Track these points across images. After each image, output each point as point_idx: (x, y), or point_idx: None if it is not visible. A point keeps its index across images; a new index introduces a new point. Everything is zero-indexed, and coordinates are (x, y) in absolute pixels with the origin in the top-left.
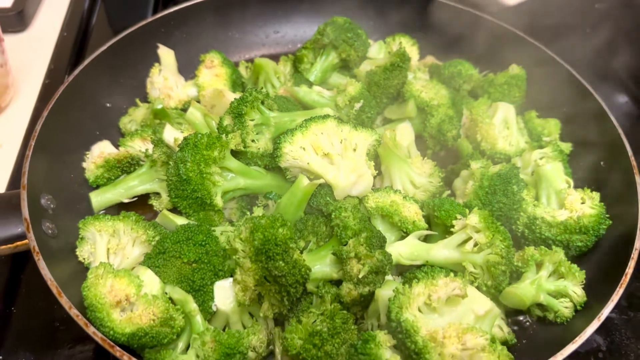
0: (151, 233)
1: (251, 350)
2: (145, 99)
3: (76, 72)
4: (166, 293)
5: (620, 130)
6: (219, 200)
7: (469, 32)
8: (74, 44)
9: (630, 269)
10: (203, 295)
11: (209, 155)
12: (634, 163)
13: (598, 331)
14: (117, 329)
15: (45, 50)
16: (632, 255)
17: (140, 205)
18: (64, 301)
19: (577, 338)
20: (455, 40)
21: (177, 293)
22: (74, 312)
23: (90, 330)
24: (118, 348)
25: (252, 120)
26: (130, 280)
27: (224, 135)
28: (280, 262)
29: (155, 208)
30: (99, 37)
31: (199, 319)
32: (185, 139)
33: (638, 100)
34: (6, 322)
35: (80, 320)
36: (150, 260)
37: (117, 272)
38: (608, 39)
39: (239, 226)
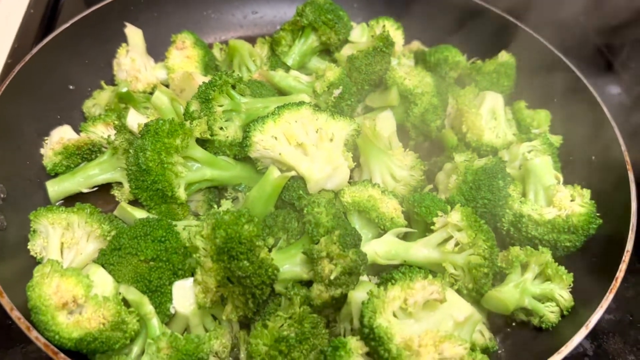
0: (106, 227)
1: (213, 356)
2: (111, 81)
3: (35, 50)
4: (120, 293)
5: (613, 123)
6: (181, 193)
7: (457, 16)
8: (42, 21)
9: (621, 273)
10: (160, 297)
11: (170, 143)
12: (627, 158)
13: None
14: (62, 333)
15: (10, 27)
16: (623, 258)
17: (102, 195)
18: (5, 302)
19: (563, 348)
20: (442, 24)
21: (132, 294)
22: (15, 315)
23: (33, 334)
24: (62, 355)
25: (221, 106)
26: (79, 280)
27: (187, 122)
28: (245, 262)
29: (117, 199)
30: (70, 14)
31: (155, 322)
32: (145, 125)
33: (631, 92)
34: None
35: (23, 323)
36: (104, 257)
37: (64, 271)
38: (601, 28)
39: (203, 220)
